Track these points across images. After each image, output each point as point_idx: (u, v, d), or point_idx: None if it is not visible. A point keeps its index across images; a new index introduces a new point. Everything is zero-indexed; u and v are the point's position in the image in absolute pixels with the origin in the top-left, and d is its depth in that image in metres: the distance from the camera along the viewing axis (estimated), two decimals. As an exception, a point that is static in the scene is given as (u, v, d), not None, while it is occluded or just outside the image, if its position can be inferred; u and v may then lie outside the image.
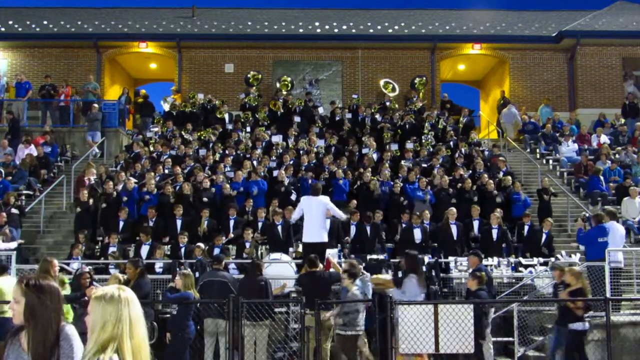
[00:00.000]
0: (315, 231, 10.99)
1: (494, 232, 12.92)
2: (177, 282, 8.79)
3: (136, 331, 2.83)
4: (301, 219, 11.55)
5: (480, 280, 9.12)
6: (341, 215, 11.66)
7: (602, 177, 16.09)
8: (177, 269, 10.10)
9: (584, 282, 8.76)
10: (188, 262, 11.38)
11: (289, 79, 21.33)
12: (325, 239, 11.16)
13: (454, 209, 13.32)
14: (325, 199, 11.36)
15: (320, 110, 20.08)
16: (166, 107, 20.53)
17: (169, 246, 12.77)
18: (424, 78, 21.88)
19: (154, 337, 8.65)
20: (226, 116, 19.58)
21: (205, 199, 14.03)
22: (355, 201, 14.24)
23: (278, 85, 21.36)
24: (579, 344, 8.60)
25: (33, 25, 23.01)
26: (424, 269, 11.12)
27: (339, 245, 12.58)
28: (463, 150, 17.31)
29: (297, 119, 19.13)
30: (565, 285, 8.86)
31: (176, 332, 8.63)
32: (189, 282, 8.72)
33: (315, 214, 11.02)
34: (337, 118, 19.20)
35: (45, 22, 23.31)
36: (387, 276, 9.40)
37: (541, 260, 12.08)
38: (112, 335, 2.76)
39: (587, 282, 8.99)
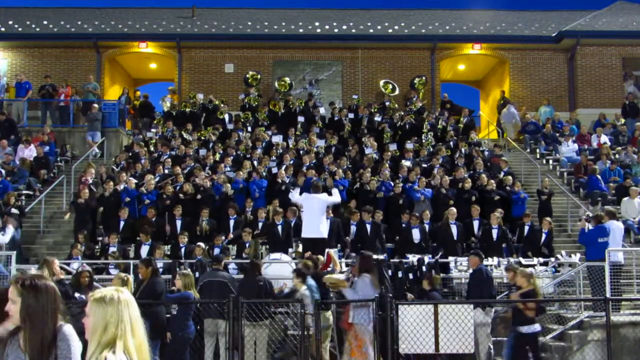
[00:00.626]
0: (315, 227, 11.07)
1: (494, 232, 12.91)
2: (177, 282, 8.80)
3: (137, 331, 2.86)
4: (301, 218, 11.62)
5: (432, 281, 9.53)
6: (336, 198, 11.75)
7: (599, 177, 16.08)
8: (177, 269, 10.10)
9: (536, 283, 8.72)
10: (188, 262, 11.39)
11: (287, 79, 21.34)
12: (325, 234, 11.23)
13: (453, 209, 13.31)
14: (324, 196, 11.45)
15: (322, 110, 20.08)
16: (164, 107, 20.53)
17: (169, 246, 12.77)
18: (424, 78, 21.87)
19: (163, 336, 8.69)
20: (226, 116, 19.58)
21: (198, 196, 14.00)
22: (354, 201, 14.23)
23: (277, 85, 21.36)
24: (532, 346, 8.52)
25: (33, 25, 23.00)
26: (424, 269, 11.16)
27: (338, 245, 12.57)
28: (463, 150, 17.31)
29: (300, 119, 19.13)
30: (517, 287, 8.84)
31: (176, 332, 8.63)
32: (189, 282, 8.73)
33: (316, 211, 11.13)
34: (336, 118, 19.19)
35: (45, 22, 23.30)
36: (340, 276, 9.53)
37: (541, 260, 12.08)
38: (114, 335, 2.79)
39: (539, 284, 8.99)
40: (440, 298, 9.23)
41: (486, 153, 17.58)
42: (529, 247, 13.07)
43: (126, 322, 2.82)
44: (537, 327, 8.47)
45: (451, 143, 17.90)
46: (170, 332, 8.76)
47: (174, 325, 8.73)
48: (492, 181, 14.74)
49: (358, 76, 22.53)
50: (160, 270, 11.50)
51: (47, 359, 3.05)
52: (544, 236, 13.14)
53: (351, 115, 19.26)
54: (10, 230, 12.25)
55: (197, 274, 10.54)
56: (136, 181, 14.66)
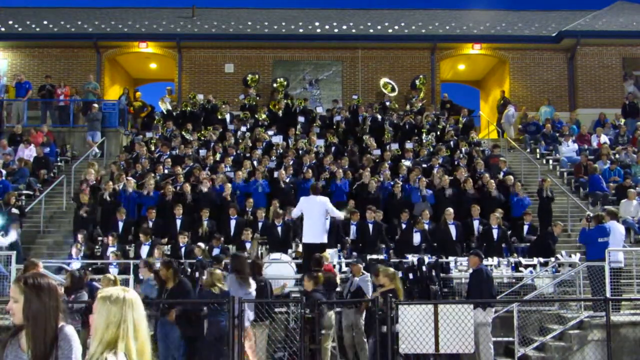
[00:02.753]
0: (315, 232, 10.99)
1: (494, 232, 12.90)
2: (205, 280, 8.92)
3: (140, 332, 2.84)
4: (301, 219, 11.56)
5: (316, 281, 9.25)
6: (340, 215, 11.67)
7: (601, 177, 16.06)
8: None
9: (398, 283, 8.68)
10: (188, 262, 11.38)
11: (282, 79, 21.34)
12: (325, 239, 11.16)
13: (450, 209, 13.29)
14: (324, 199, 11.37)
15: (319, 109, 20.05)
16: (163, 108, 20.55)
17: (169, 246, 12.78)
18: (422, 77, 21.84)
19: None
20: (227, 116, 19.55)
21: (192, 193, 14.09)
22: (353, 201, 14.22)
23: (275, 85, 21.35)
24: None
25: (33, 25, 23.00)
26: (424, 269, 11.15)
27: (338, 245, 12.56)
28: (463, 150, 17.31)
29: (300, 119, 19.12)
30: (380, 286, 8.81)
31: (208, 329, 8.59)
32: (213, 279, 8.81)
33: (316, 215, 11.03)
34: (335, 119, 19.17)
35: (45, 22, 23.29)
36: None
37: (541, 260, 12.07)
38: (116, 335, 2.78)
39: (400, 284, 8.93)
40: (321, 298, 9.02)
41: (486, 153, 17.59)
42: (538, 249, 12.93)
43: (129, 322, 2.81)
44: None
45: (451, 143, 17.89)
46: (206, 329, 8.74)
47: (208, 321, 8.70)
48: (492, 181, 14.73)
49: (358, 76, 22.53)
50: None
51: (48, 358, 3.03)
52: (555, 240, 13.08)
53: (339, 118, 19.11)
54: (13, 235, 12.27)
55: (197, 274, 10.55)
56: (135, 181, 14.67)
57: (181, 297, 8.58)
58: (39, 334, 3.05)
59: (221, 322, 8.56)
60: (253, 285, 8.85)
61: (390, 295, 7.47)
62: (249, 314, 8.49)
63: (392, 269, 9.01)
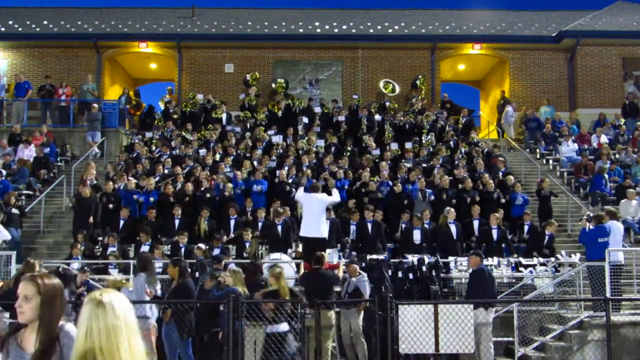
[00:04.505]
0: (314, 226, 11.01)
1: (494, 232, 12.90)
2: (227, 280, 8.87)
3: (113, 340, 2.57)
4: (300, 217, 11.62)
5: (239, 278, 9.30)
6: (336, 198, 11.76)
7: (606, 176, 16.04)
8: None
9: (282, 284, 8.67)
10: (188, 262, 11.36)
11: (282, 80, 21.32)
12: (325, 234, 11.15)
13: (451, 209, 13.29)
14: (324, 196, 11.42)
15: (317, 109, 20.05)
16: (162, 105, 20.55)
17: (169, 246, 12.78)
18: (422, 77, 21.82)
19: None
20: (224, 116, 19.52)
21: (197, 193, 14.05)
22: (353, 200, 14.21)
23: (274, 86, 21.34)
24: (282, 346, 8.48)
25: (33, 25, 23.00)
26: (424, 269, 11.15)
27: (338, 245, 12.56)
28: (463, 150, 17.30)
29: (304, 119, 19.09)
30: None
31: (223, 327, 8.55)
32: (238, 278, 8.81)
33: (315, 210, 11.07)
34: (335, 119, 19.16)
35: (45, 22, 23.30)
36: (117, 277, 9.73)
37: (541, 260, 12.07)
38: (85, 345, 2.56)
39: (286, 284, 8.84)
40: (240, 293, 9.04)
41: (486, 152, 17.58)
42: (532, 248, 12.99)
43: (100, 329, 2.57)
44: (284, 326, 8.42)
45: (451, 143, 17.89)
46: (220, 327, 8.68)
47: (222, 321, 8.64)
48: (491, 181, 14.72)
49: (358, 76, 22.52)
50: (160, 270, 11.54)
51: (50, 357, 3.02)
52: (546, 238, 13.10)
53: (342, 118, 19.05)
54: (7, 233, 12.26)
55: (197, 274, 10.54)
56: (136, 181, 14.67)
57: (181, 298, 8.56)
58: (46, 334, 3.03)
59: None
60: (159, 284, 9.05)
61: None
62: (154, 311, 8.52)
63: (279, 269, 8.99)
